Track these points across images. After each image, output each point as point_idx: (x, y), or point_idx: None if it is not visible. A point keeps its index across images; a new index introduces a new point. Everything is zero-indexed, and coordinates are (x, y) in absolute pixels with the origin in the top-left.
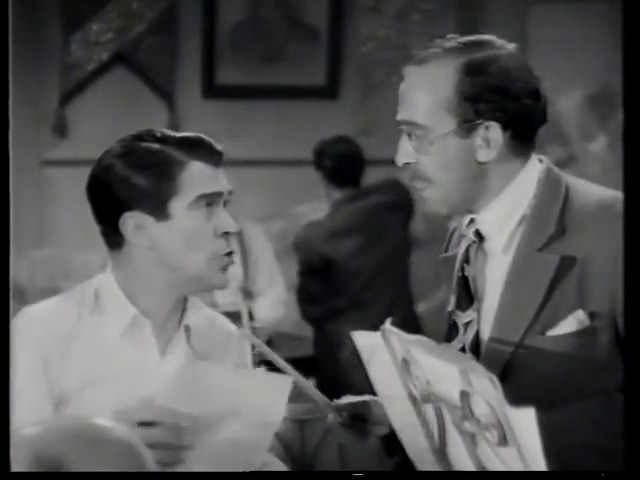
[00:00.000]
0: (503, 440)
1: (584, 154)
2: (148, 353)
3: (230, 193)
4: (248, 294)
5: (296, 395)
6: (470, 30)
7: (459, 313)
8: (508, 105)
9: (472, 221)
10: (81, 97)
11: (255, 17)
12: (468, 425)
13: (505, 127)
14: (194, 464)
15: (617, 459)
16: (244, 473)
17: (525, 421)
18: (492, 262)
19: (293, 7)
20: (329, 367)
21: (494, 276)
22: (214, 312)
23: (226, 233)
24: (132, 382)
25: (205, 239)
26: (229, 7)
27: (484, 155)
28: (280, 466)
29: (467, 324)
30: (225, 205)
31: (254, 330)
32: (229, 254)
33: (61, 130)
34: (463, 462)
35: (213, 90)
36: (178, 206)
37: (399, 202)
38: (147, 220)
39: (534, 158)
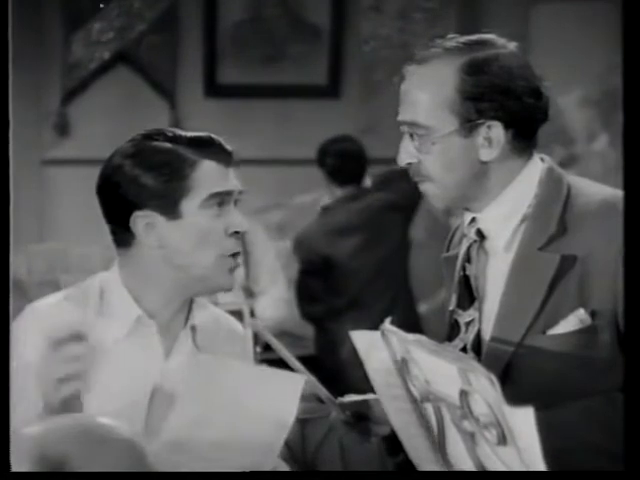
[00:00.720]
0: (502, 439)
1: (586, 153)
2: (153, 354)
3: (241, 193)
4: (250, 293)
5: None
6: (471, 29)
7: (460, 312)
8: (510, 104)
9: (473, 220)
10: (83, 96)
11: (257, 16)
12: (467, 424)
13: (507, 126)
14: (205, 464)
15: (617, 459)
16: (243, 473)
17: (524, 421)
18: (493, 261)
19: (295, 6)
20: (329, 366)
21: (495, 275)
22: (220, 311)
23: (236, 232)
24: (137, 383)
25: (215, 238)
26: (230, 6)
27: (486, 154)
28: (282, 465)
29: (468, 323)
30: (236, 204)
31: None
32: (236, 255)
33: (63, 129)
34: (463, 461)
35: (214, 89)
36: (189, 205)
37: (401, 201)
38: (158, 219)
39: (536, 157)
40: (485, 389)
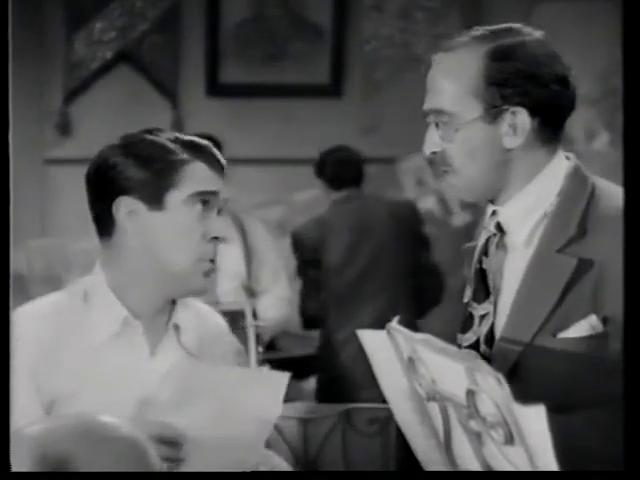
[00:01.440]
0: (509, 439)
1: (586, 152)
2: (139, 354)
3: (226, 201)
4: (252, 293)
5: (298, 394)
6: (471, 29)
7: (475, 305)
8: (535, 91)
9: (494, 213)
10: (85, 95)
11: (259, 15)
12: (474, 424)
13: (532, 113)
14: (190, 463)
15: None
16: (244, 473)
17: (535, 420)
18: (511, 256)
19: (297, 5)
20: (332, 366)
21: (512, 271)
22: (204, 307)
23: (215, 238)
24: (123, 384)
25: (194, 240)
26: (233, 5)
27: (510, 142)
28: (283, 465)
29: (483, 316)
30: (219, 213)
31: (258, 329)
32: (212, 261)
33: (64, 128)
34: (469, 461)
35: (217, 88)
36: (174, 199)
37: (406, 227)
38: (140, 207)
39: (561, 154)
40: (492, 388)
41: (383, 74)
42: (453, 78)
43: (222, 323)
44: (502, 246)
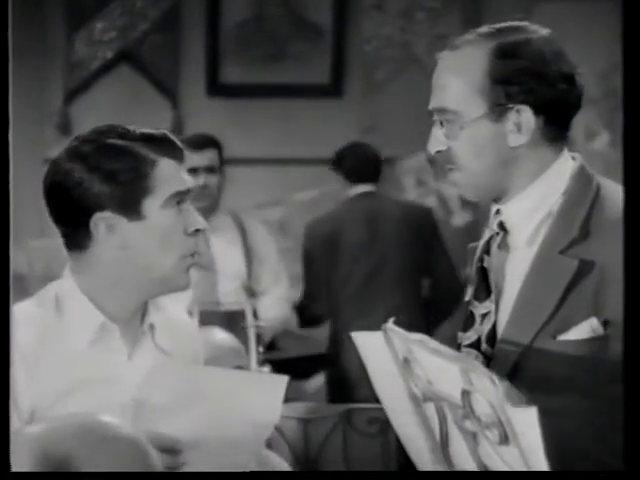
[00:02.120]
0: (504, 439)
1: (587, 153)
2: (117, 358)
3: (193, 190)
4: (252, 293)
5: (300, 394)
6: (474, 28)
7: (476, 304)
8: (540, 89)
9: (498, 212)
10: (85, 95)
11: (259, 15)
12: (469, 424)
13: (537, 111)
14: (188, 467)
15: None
16: (244, 473)
17: (527, 421)
18: (513, 255)
19: (297, 5)
20: (339, 366)
21: (514, 270)
22: (175, 310)
23: (196, 231)
24: (104, 390)
25: (177, 238)
26: (233, 5)
27: (515, 140)
28: (284, 465)
29: (484, 315)
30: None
31: (259, 329)
32: (194, 254)
33: (65, 128)
34: (465, 461)
35: (217, 88)
36: (151, 205)
37: (418, 223)
38: (119, 220)
39: (567, 154)
40: (487, 389)
41: (383, 74)
42: (458, 76)
43: (192, 322)
44: (504, 245)
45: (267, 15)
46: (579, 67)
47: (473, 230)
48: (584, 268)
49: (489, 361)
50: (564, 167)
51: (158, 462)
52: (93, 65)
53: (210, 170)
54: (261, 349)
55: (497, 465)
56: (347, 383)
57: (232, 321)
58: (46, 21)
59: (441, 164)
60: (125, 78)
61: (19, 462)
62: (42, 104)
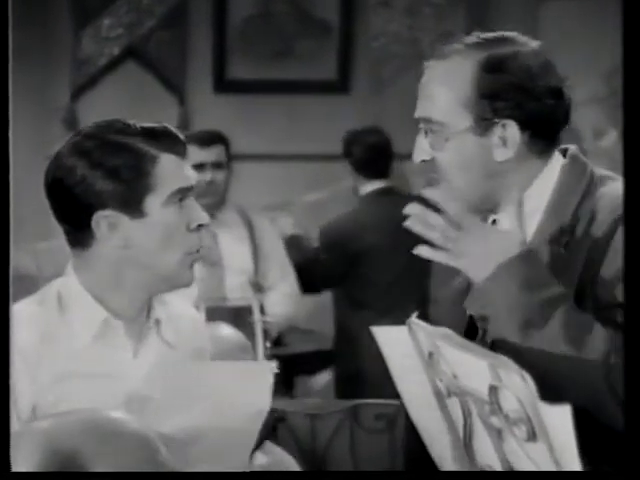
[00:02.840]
0: (532, 435)
1: (594, 151)
2: (122, 354)
3: (197, 183)
4: (259, 288)
5: (307, 390)
6: (480, 25)
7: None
8: (527, 104)
9: (494, 222)
10: (92, 92)
11: (266, 12)
12: (495, 420)
13: (523, 126)
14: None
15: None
16: (244, 473)
17: (560, 417)
18: None
19: (304, 2)
20: (348, 363)
21: None
22: (179, 304)
23: (199, 226)
24: (109, 387)
25: (180, 235)
26: (240, 2)
27: (501, 154)
28: (291, 461)
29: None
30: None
31: (265, 324)
32: (198, 250)
33: (71, 124)
34: (488, 457)
35: (224, 85)
36: (153, 203)
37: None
38: (121, 218)
39: (556, 155)
40: (515, 385)
41: (390, 70)
42: (445, 87)
43: (198, 317)
44: None
45: (274, 11)
46: (567, 79)
47: None
48: (572, 257)
49: None
50: (554, 169)
51: (167, 457)
52: (100, 61)
53: (217, 166)
54: (268, 345)
55: (522, 462)
56: (356, 379)
57: (239, 317)
58: (53, 18)
59: (426, 174)
60: (132, 74)
61: (28, 456)
62: (49, 100)
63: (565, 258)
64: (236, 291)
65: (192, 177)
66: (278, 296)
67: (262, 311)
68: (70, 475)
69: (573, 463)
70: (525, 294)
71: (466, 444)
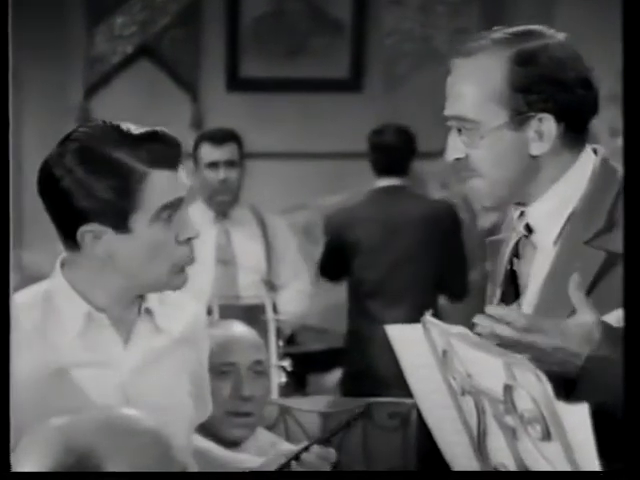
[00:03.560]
0: (546, 435)
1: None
2: (111, 345)
3: (190, 189)
4: (271, 286)
5: (319, 387)
6: (494, 22)
7: (504, 306)
8: (560, 96)
9: (522, 214)
10: (105, 90)
11: (279, 10)
12: (510, 419)
13: (558, 119)
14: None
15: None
16: (244, 473)
17: (578, 416)
18: (541, 256)
19: (317, 0)
20: (358, 360)
21: (540, 269)
22: (182, 296)
23: (189, 239)
24: (100, 377)
25: (167, 249)
26: (253, 0)
27: (537, 148)
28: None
29: None
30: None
31: (278, 322)
32: (187, 261)
33: (85, 123)
34: (502, 456)
35: (237, 83)
36: (139, 220)
37: (440, 218)
38: (105, 231)
39: (588, 149)
40: (531, 384)
41: (403, 68)
42: (475, 84)
43: (194, 304)
44: (532, 246)
45: (287, 10)
46: (593, 68)
47: (498, 232)
48: (611, 259)
49: None
50: (585, 165)
51: (180, 455)
52: (113, 60)
53: (230, 164)
54: (281, 343)
55: (536, 461)
56: (368, 377)
57: (252, 315)
58: (66, 16)
59: (459, 171)
60: (145, 73)
61: (43, 454)
62: (62, 99)
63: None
64: (249, 289)
65: (183, 187)
66: (291, 294)
67: (275, 309)
68: (70, 475)
69: (591, 463)
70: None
71: (480, 443)
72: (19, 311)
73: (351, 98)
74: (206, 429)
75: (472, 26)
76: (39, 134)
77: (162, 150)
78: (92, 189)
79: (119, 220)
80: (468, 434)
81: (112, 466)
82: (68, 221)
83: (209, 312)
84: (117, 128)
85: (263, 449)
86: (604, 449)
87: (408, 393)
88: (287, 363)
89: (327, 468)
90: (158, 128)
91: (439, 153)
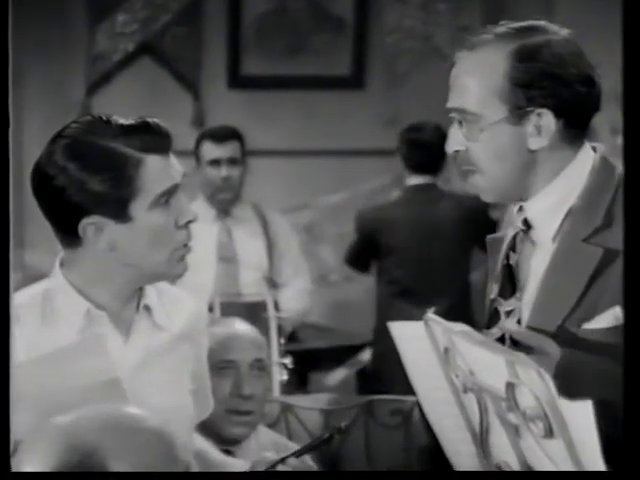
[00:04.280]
0: (549, 432)
1: (613, 147)
2: (111, 342)
3: (185, 175)
4: (273, 284)
5: (321, 386)
6: (496, 20)
7: (502, 301)
8: (561, 92)
9: (521, 209)
10: (107, 88)
11: (281, 7)
12: (512, 416)
13: (558, 114)
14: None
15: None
16: (244, 473)
17: (581, 414)
18: (539, 252)
19: None
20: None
21: (539, 265)
22: (175, 289)
23: (188, 222)
24: (98, 377)
25: (167, 233)
26: None
27: (535, 143)
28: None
29: (509, 312)
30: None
31: (280, 320)
32: (187, 245)
33: None
34: (504, 454)
35: (238, 80)
36: (138, 208)
37: (474, 216)
38: (107, 223)
39: (587, 146)
40: (533, 382)
41: (405, 66)
42: (477, 77)
43: (193, 300)
44: (530, 241)
45: (288, 7)
46: (598, 66)
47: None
48: (608, 256)
49: None
50: (584, 162)
51: (184, 454)
52: (115, 57)
53: (232, 162)
54: (282, 340)
55: (539, 458)
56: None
57: (253, 312)
58: (68, 13)
59: (459, 165)
60: (146, 70)
61: (48, 452)
62: (64, 96)
63: (602, 258)
64: (250, 287)
65: (178, 174)
66: (292, 292)
67: (276, 307)
68: (70, 475)
69: (595, 460)
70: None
71: (482, 440)
72: (19, 310)
73: (353, 96)
74: (206, 427)
75: (474, 24)
76: (41, 132)
77: (153, 138)
78: (88, 182)
79: (119, 209)
80: (470, 432)
81: (116, 465)
82: (67, 218)
83: (210, 309)
84: (106, 120)
85: (264, 447)
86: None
87: (411, 391)
88: (288, 361)
89: None
90: (147, 118)
91: None
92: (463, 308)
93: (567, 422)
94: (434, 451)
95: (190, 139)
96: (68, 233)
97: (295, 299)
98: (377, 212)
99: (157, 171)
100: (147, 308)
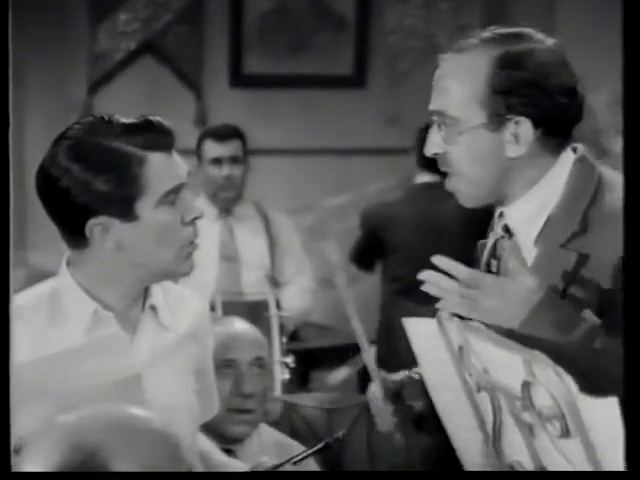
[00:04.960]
0: (565, 432)
1: (617, 148)
2: (118, 345)
3: (189, 173)
4: (275, 283)
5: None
6: (497, 20)
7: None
8: (541, 101)
9: (501, 215)
10: (109, 87)
11: (282, 6)
12: (527, 416)
13: (537, 124)
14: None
15: None
16: (244, 473)
17: (606, 412)
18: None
19: None
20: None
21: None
22: (180, 288)
23: (194, 219)
24: (106, 376)
25: (174, 231)
26: None
27: (513, 150)
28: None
29: None
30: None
31: (282, 319)
32: (193, 242)
33: None
34: (517, 453)
35: (240, 79)
36: (145, 206)
37: (479, 216)
38: (113, 223)
39: (568, 151)
40: (550, 381)
41: (406, 65)
42: (459, 81)
43: (198, 300)
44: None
45: (290, 6)
46: (582, 78)
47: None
48: (582, 261)
49: None
50: (564, 167)
51: (187, 455)
52: (116, 56)
53: (234, 160)
54: (284, 339)
55: (554, 458)
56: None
57: (255, 311)
58: (69, 13)
59: (439, 167)
60: (148, 69)
61: (52, 451)
62: (65, 96)
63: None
64: (252, 285)
65: (183, 172)
66: (294, 291)
67: (278, 306)
68: (70, 475)
69: (617, 459)
70: (559, 336)
71: (495, 440)
72: (26, 310)
73: (354, 94)
74: (208, 426)
75: (475, 23)
76: (42, 131)
77: (156, 136)
78: (93, 183)
79: (125, 208)
80: (483, 431)
81: (119, 465)
82: (73, 219)
83: (212, 308)
84: (108, 120)
85: (266, 446)
86: None
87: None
88: (290, 360)
89: None
90: (149, 116)
91: None
92: None
93: (586, 422)
94: (436, 451)
95: (192, 138)
96: (74, 234)
97: (297, 298)
98: (382, 209)
99: (161, 169)
100: (153, 308)
